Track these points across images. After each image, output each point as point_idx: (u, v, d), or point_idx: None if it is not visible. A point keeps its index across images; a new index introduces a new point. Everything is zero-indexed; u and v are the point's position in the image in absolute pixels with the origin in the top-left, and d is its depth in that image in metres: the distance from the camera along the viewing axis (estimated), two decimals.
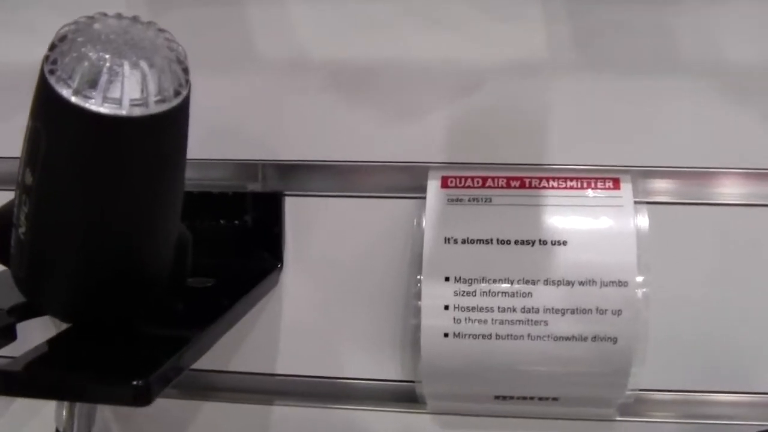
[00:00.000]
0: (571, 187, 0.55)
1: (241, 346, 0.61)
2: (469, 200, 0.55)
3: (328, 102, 0.57)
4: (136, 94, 0.35)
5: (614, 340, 0.52)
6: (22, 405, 0.63)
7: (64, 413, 0.51)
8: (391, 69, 0.57)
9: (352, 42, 0.57)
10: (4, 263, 0.43)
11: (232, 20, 0.57)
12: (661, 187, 0.56)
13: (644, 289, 0.52)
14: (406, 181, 0.57)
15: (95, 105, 0.35)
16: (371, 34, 0.56)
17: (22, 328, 0.43)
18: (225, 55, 0.58)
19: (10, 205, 0.41)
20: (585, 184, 0.55)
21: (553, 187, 0.55)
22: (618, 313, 0.52)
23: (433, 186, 0.56)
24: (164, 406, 0.62)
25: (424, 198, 0.56)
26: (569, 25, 0.54)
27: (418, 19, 0.56)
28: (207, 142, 0.58)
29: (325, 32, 0.57)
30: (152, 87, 0.36)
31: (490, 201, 0.55)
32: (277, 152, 0.59)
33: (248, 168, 0.59)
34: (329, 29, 0.57)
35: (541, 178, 0.55)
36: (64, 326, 0.44)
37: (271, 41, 0.57)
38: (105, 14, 0.37)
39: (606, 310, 0.52)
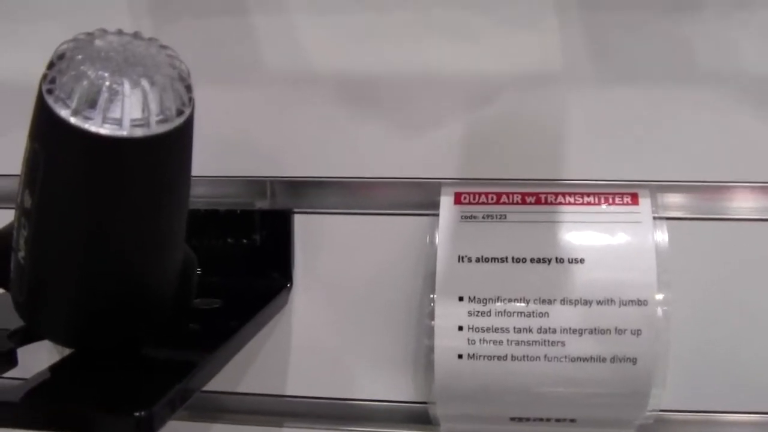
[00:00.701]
0: (588, 203, 0.54)
1: (250, 367, 0.60)
2: (483, 217, 0.54)
3: (338, 116, 0.56)
4: (137, 114, 0.34)
5: (634, 361, 0.51)
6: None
7: None
8: (402, 81, 0.55)
9: (362, 54, 0.56)
10: (4, 287, 0.42)
11: (239, 33, 0.56)
12: (680, 202, 0.55)
13: (665, 308, 0.51)
14: (418, 197, 0.56)
15: (95, 126, 0.33)
16: (381, 45, 0.55)
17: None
18: (232, 68, 0.57)
19: (9, 228, 0.40)
20: (602, 200, 0.54)
21: (569, 203, 0.54)
22: (637, 333, 0.51)
23: (446, 202, 0.55)
24: (172, 427, 0.60)
25: (437, 215, 0.55)
26: (584, 36, 0.53)
27: (430, 30, 0.54)
28: (214, 159, 0.57)
29: (335, 44, 0.56)
30: (154, 106, 0.34)
31: (505, 218, 0.54)
32: (285, 168, 0.58)
33: (256, 185, 0.58)
34: (339, 41, 0.56)
35: (557, 194, 0.54)
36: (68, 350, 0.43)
37: (280, 54, 0.56)
38: (105, 31, 0.36)
39: (625, 330, 0.51)
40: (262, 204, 0.58)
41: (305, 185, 0.58)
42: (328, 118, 0.56)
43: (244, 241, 0.58)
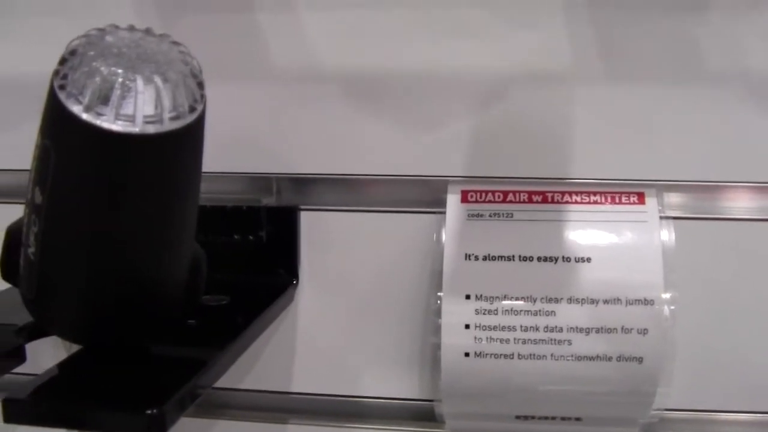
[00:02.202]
0: (595, 202, 0.54)
1: (255, 364, 0.60)
2: (489, 215, 0.54)
3: (345, 113, 0.56)
4: (150, 111, 0.34)
5: (640, 360, 0.51)
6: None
7: None
8: (409, 79, 0.55)
9: (369, 51, 0.55)
10: (13, 283, 0.42)
11: (245, 29, 0.56)
12: (687, 202, 0.55)
13: (671, 307, 0.51)
14: (424, 195, 0.56)
15: (107, 122, 0.33)
16: (389, 43, 0.55)
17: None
18: (238, 64, 0.57)
19: (19, 223, 0.40)
20: (609, 199, 0.54)
21: (576, 202, 0.54)
22: (644, 332, 0.51)
23: (452, 200, 0.55)
24: (177, 424, 0.61)
25: (444, 213, 0.55)
26: (592, 34, 0.53)
27: (438, 27, 0.54)
28: (220, 155, 0.56)
29: (342, 41, 0.56)
30: (167, 103, 0.34)
31: (512, 216, 0.54)
32: (292, 165, 0.57)
33: (263, 181, 0.58)
34: (346, 38, 0.55)
35: (563, 193, 0.54)
36: (75, 346, 0.43)
37: (286, 50, 0.56)
38: (117, 27, 0.36)
39: (631, 329, 0.51)
40: (268, 201, 0.58)
41: (311, 182, 0.57)
42: (335, 115, 0.56)
43: (251, 237, 0.57)
